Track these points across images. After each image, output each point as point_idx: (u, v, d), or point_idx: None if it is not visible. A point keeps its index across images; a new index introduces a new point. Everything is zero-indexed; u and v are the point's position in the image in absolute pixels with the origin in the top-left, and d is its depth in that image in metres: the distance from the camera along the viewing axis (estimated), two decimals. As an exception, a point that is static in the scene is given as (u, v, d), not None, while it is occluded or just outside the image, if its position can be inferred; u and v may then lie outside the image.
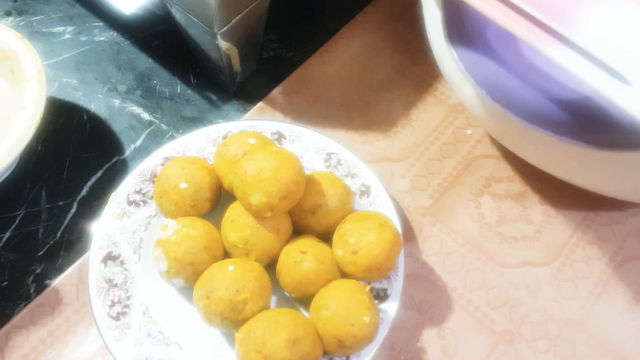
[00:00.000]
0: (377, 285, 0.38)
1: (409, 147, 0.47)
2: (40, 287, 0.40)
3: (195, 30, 0.43)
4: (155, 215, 0.40)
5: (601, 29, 0.28)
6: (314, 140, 0.43)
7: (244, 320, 0.34)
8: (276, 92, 0.49)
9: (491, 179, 0.46)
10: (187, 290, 0.38)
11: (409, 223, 0.44)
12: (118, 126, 0.47)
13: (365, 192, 0.42)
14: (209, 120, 0.48)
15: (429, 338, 0.40)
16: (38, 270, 0.41)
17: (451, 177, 0.46)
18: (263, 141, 0.39)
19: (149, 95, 0.49)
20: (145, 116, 0.48)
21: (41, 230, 0.42)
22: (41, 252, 0.42)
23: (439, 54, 0.40)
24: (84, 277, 0.40)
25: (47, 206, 0.43)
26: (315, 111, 0.48)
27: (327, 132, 0.47)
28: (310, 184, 0.38)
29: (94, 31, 0.52)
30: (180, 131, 0.47)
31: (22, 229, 0.43)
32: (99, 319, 0.37)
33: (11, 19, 0.52)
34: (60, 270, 0.41)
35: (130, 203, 0.40)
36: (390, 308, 0.38)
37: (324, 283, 0.36)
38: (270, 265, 0.38)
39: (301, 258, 0.36)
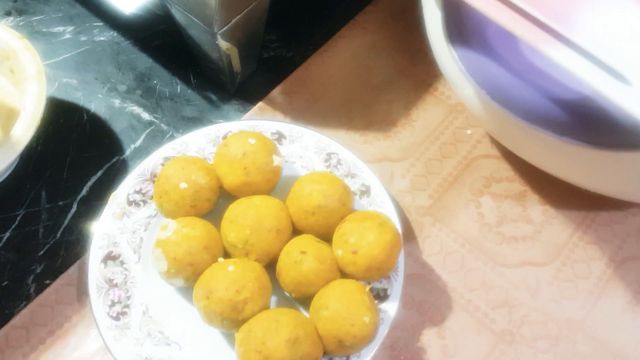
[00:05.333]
0: (377, 285, 0.38)
1: (409, 147, 0.47)
2: (40, 287, 0.40)
3: (195, 30, 0.43)
4: (155, 215, 0.40)
5: (601, 29, 0.28)
6: (314, 140, 0.43)
7: (244, 320, 0.34)
8: (276, 92, 0.49)
9: (491, 179, 0.46)
10: (187, 290, 0.38)
11: (409, 223, 0.44)
12: (118, 126, 0.47)
13: (365, 192, 0.41)
14: (209, 120, 0.48)
15: (429, 338, 0.40)
16: (38, 270, 0.41)
17: (451, 177, 0.46)
18: (263, 141, 0.39)
19: (149, 95, 0.49)
20: (145, 116, 0.48)
21: (41, 230, 0.42)
22: (41, 252, 0.42)
23: (439, 54, 0.40)
24: (84, 277, 0.40)
25: (47, 206, 0.43)
26: (315, 111, 0.48)
27: (327, 132, 0.47)
28: (310, 184, 0.38)
29: (94, 31, 0.52)
30: (180, 131, 0.47)
31: (22, 229, 0.43)
32: (99, 319, 0.37)
33: (11, 19, 0.52)
34: (60, 270, 0.41)
35: (130, 203, 0.40)
36: (390, 308, 0.38)
37: (324, 283, 0.36)
38: (270, 265, 0.38)
39: (301, 258, 0.36)
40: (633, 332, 0.40)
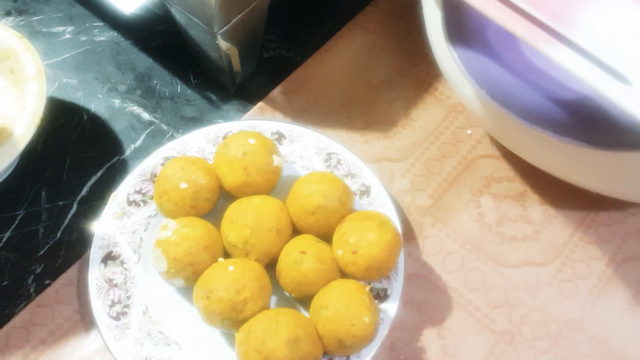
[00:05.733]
0: (377, 285, 0.38)
1: (409, 147, 0.47)
2: (40, 287, 0.40)
3: (195, 30, 0.43)
4: (155, 215, 0.40)
5: (601, 29, 0.28)
6: (314, 140, 0.43)
7: (244, 320, 0.34)
8: (276, 92, 0.49)
9: (491, 179, 0.46)
10: (187, 290, 0.38)
11: (409, 223, 0.44)
12: (118, 126, 0.47)
13: (365, 192, 0.41)
14: (209, 120, 0.48)
15: (429, 338, 0.40)
16: (38, 270, 0.41)
17: (451, 177, 0.46)
18: (263, 141, 0.39)
19: (149, 95, 0.49)
20: (145, 116, 0.48)
21: (41, 230, 0.42)
22: (41, 252, 0.42)
23: (439, 54, 0.40)
24: (84, 277, 0.40)
25: (47, 206, 0.43)
26: (315, 111, 0.48)
27: (327, 132, 0.47)
28: (310, 184, 0.38)
29: (94, 31, 0.52)
30: (180, 131, 0.47)
31: (22, 229, 0.42)
32: (99, 319, 0.37)
33: (11, 19, 0.52)
34: (60, 270, 0.41)
35: (130, 203, 0.40)
36: (390, 308, 0.38)
37: (324, 283, 0.36)
38: (270, 265, 0.38)
39: (301, 258, 0.36)
40: (633, 332, 0.40)
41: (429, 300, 0.41)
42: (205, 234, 0.37)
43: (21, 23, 0.52)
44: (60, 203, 0.44)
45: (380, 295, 0.38)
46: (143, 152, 0.46)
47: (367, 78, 0.50)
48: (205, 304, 0.34)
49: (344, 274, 0.37)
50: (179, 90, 0.49)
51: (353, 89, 0.50)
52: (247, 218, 0.37)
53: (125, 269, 0.39)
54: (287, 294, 0.38)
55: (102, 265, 0.38)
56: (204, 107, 0.48)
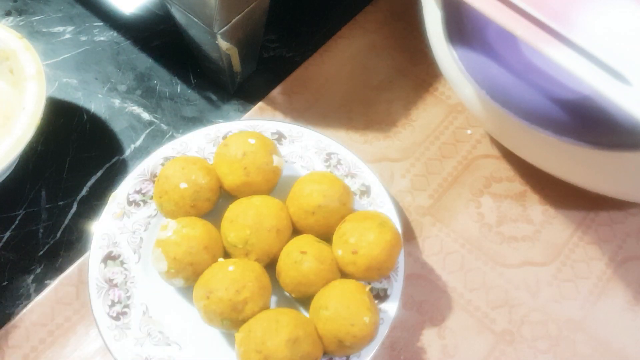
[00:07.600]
0: (377, 285, 0.38)
1: (409, 147, 0.47)
2: (40, 287, 0.40)
3: (195, 30, 0.43)
4: (155, 215, 0.40)
5: (601, 29, 0.28)
6: (314, 140, 0.43)
7: (244, 320, 0.34)
8: (276, 92, 0.49)
9: (491, 179, 0.46)
10: (187, 290, 0.38)
11: (409, 223, 0.44)
12: (118, 126, 0.47)
13: (365, 192, 0.41)
14: (209, 120, 0.48)
15: (429, 338, 0.40)
16: (38, 270, 0.41)
17: (451, 177, 0.46)
18: (263, 141, 0.39)
19: (149, 95, 0.49)
20: (145, 116, 0.48)
21: (41, 230, 0.42)
22: (41, 252, 0.42)
23: (439, 54, 0.40)
24: (84, 277, 0.40)
25: (47, 206, 0.43)
26: (315, 111, 0.48)
27: (327, 132, 0.47)
28: (310, 184, 0.38)
29: (94, 31, 0.52)
30: (180, 131, 0.47)
31: (22, 229, 0.43)
32: (99, 319, 0.37)
33: (11, 19, 0.52)
34: (60, 270, 0.41)
35: (130, 203, 0.40)
36: (390, 308, 0.38)
37: (324, 283, 0.36)
38: (270, 265, 0.38)
39: (301, 258, 0.36)
40: (633, 332, 0.40)
41: (429, 300, 0.41)
42: (205, 234, 0.37)
43: (21, 23, 0.52)
44: (60, 203, 0.44)
45: (380, 295, 0.38)
46: (143, 152, 0.46)
47: (367, 78, 0.50)
48: (205, 304, 0.34)
49: (344, 274, 0.37)
50: (179, 90, 0.49)
51: (353, 89, 0.50)
52: (247, 218, 0.37)
53: (125, 269, 0.39)
54: (287, 294, 0.38)
55: (102, 265, 0.38)
56: (204, 107, 0.48)
